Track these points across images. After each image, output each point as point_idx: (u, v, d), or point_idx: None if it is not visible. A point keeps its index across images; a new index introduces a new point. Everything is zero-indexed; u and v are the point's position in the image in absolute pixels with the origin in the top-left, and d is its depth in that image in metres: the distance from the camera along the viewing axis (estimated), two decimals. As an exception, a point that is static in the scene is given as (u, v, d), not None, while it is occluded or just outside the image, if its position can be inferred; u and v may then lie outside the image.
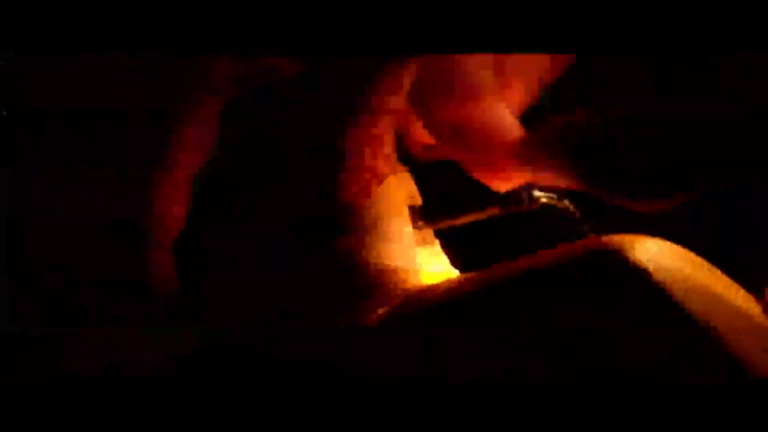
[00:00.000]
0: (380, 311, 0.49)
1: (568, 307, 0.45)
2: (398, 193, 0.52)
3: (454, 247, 0.54)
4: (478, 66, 0.51)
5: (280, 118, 0.50)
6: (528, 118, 0.53)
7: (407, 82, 0.49)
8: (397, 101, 0.49)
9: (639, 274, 0.44)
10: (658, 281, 0.44)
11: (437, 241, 0.53)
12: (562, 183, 0.50)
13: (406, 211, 0.52)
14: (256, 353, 0.49)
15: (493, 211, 0.52)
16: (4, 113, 0.51)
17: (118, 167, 0.50)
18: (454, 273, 0.53)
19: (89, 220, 0.50)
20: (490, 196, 0.52)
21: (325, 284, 0.49)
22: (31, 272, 0.50)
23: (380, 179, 0.50)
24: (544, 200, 0.52)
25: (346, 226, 0.50)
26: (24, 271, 0.50)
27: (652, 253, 0.45)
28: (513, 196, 0.51)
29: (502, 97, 0.51)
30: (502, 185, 0.51)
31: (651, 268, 0.44)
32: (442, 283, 0.50)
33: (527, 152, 0.50)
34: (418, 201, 0.53)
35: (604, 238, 0.46)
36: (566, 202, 0.52)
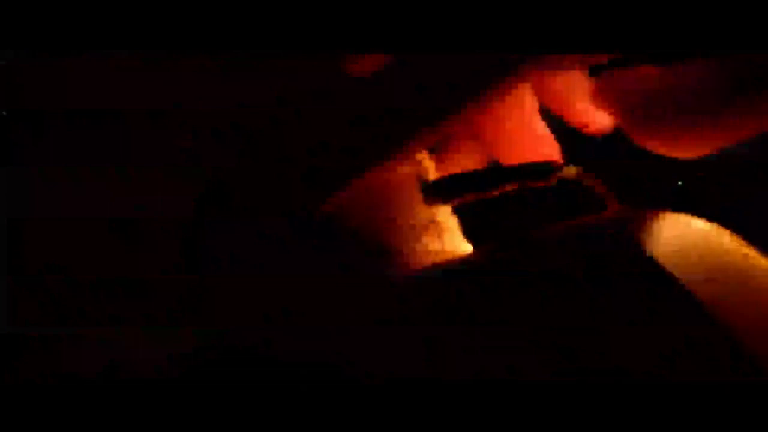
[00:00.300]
0: (384, 301, 0.49)
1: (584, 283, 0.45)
2: (408, 168, 0.51)
3: (470, 224, 0.53)
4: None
5: (281, 117, 0.50)
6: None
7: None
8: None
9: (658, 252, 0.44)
10: (676, 261, 0.44)
11: (453, 219, 0.53)
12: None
13: (416, 188, 0.51)
14: (256, 353, 0.49)
15: (510, 186, 0.51)
16: (4, 113, 0.51)
17: (118, 167, 0.50)
18: (467, 250, 0.52)
19: (89, 220, 0.50)
20: (506, 171, 0.51)
21: (325, 281, 0.49)
22: (31, 272, 0.50)
23: None
24: (564, 175, 0.50)
25: (351, 209, 0.50)
26: (24, 271, 0.50)
27: (680, 230, 0.45)
28: (531, 170, 0.50)
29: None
30: None
31: (673, 247, 0.44)
32: (451, 263, 0.49)
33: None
34: (430, 175, 0.52)
35: (633, 213, 0.46)
36: (589, 176, 0.51)
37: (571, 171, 0.51)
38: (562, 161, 0.51)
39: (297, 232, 0.50)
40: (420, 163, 0.52)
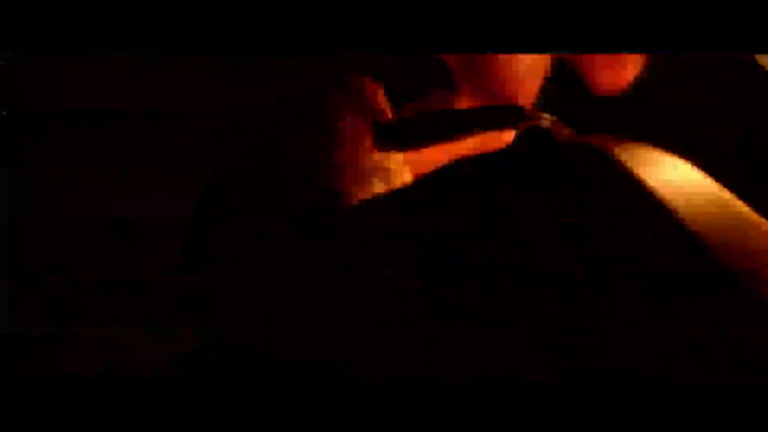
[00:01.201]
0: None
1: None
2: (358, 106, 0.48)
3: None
4: None
5: (281, 117, 0.50)
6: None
7: None
8: None
9: (623, 173, 0.45)
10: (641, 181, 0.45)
11: (405, 168, 0.49)
12: None
13: (368, 130, 0.48)
14: (256, 353, 0.49)
15: (474, 134, 0.48)
16: (4, 113, 0.51)
17: (118, 167, 0.50)
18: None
19: (89, 220, 0.50)
20: (468, 118, 0.49)
21: (325, 281, 0.49)
22: (31, 272, 0.50)
23: None
24: (529, 124, 0.48)
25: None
26: (24, 271, 0.50)
27: (639, 155, 0.46)
28: (494, 116, 0.48)
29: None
30: None
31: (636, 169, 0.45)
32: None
33: None
34: (386, 116, 0.48)
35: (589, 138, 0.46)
36: (546, 116, 0.49)
37: (545, 120, 0.48)
38: (532, 108, 0.50)
39: (297, 232, 0.50)
40: (374, 101, 0.49)
